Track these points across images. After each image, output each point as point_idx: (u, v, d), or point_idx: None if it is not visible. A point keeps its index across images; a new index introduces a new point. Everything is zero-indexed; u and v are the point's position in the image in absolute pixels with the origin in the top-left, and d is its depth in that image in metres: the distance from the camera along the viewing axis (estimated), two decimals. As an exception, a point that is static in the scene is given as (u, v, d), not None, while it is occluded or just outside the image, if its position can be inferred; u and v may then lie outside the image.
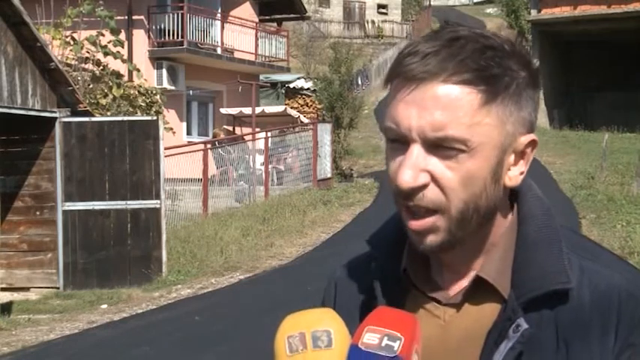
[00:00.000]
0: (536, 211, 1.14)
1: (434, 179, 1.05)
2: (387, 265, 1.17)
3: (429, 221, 1.07)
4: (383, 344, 0.98)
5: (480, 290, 1.11)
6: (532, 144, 1.11)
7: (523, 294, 1.08)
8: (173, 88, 21.73)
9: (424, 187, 1.05)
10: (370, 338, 0.99)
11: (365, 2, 49.95)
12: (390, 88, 1.09)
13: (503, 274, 1.11)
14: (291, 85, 29.50)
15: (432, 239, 1.08)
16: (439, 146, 1.05)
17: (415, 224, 1.07)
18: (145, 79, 17.97)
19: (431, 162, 1.05)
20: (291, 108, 25.18)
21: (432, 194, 1.06)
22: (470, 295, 1.12)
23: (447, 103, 1.04)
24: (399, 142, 1.07)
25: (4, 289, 10.96)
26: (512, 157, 1.09)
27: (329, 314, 1.04)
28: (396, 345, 0.98)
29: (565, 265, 1.09)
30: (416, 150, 1.05)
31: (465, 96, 1.04)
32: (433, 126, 1.04)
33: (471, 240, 1.11)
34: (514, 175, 1.10)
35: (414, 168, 1.05)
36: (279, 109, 23.50)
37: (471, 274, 1.13)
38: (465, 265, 1.13)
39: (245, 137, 20.46)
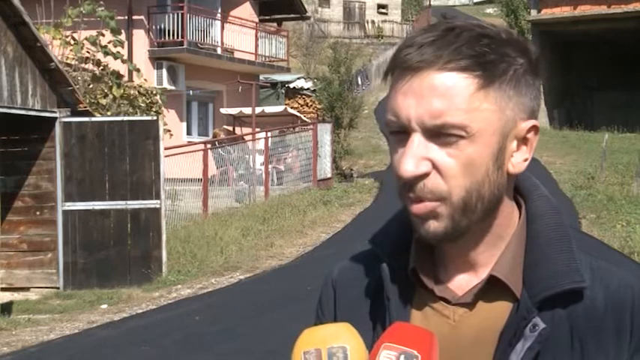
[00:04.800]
0: (544, 209, 1.13)
1: (435, 167, 1.05)
2: (393, 265, 1.15)
3: (429, 205, 1.06)
4: None
5: (491, 289, 1.11)
6: (534, 129, 1.10)
7: (537, 293, 1.08)
8: (173, 88, 21.72)
9: (425, 175, 1.05)
10: (387, 356, 0.99)
11: (365, 2, 49.98)
12: (389, 82, 1.10)
13: (515, 272, 1.10)
14: (291, 85, 29.49)
15: (435, 226, 1.07)
16: (439, 134, 1.05)
17: (416, 207, 1.07)
18: (145, 79, 17.97)
19: (432, 150, 1.05)
20: (291, 108, 25.18)
21: (432, 183, 1.05)
22: (480, 294, 1.12)
23: (444, 90, 1.04)
24: (400, 134, 1.07)
25: (4, 289, 10.94)
26: (514, 143, 1.09)
27: (346, 330, 1.03)
28: None
29: (578, 264, 1.09)
30: (416, 139, 1.05)
31: (462, 82, 1.04)
32: (431, 114, 1.04)
33: (476, 230, 1.10)
34: (517, 161, 1.10)
35: (415, 157, 1.05)
36: (279, 109, 23.50)
37: (480, 272, 1.12)
38: (472, 260, 1.13)
39: (245, 137, 20.47)
